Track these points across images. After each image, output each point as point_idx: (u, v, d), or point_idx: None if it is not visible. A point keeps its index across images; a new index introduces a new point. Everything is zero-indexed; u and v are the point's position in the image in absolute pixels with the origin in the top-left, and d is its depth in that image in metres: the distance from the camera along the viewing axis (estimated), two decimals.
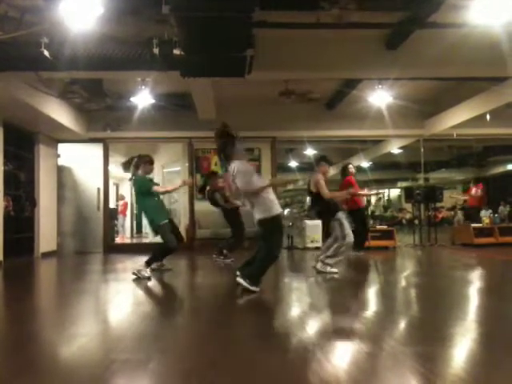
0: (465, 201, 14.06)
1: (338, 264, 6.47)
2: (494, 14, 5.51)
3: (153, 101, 9.57)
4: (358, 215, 9.11)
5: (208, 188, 8.65)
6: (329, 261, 6.39)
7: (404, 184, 21.34)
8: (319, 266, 6.44)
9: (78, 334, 3.53)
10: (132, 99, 9.47)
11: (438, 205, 13.21)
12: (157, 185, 7.23)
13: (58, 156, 11.41)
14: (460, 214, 16.72)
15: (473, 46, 6.76)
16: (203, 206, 11.18)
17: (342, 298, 5.13)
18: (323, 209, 6.60)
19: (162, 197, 7.12)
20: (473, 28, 6.08)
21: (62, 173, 11.50)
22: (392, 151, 15.87)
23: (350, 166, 9.45)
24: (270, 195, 5.06)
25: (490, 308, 4.44)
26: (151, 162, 7.02)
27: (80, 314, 4.48)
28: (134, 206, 19.35)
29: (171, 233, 6.72)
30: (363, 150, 16.59)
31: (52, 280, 7.91)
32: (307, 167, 14.99)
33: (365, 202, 10.30)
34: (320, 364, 2.71)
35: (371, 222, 13.41)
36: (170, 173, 13.64)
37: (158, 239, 6.92)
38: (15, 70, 6.94)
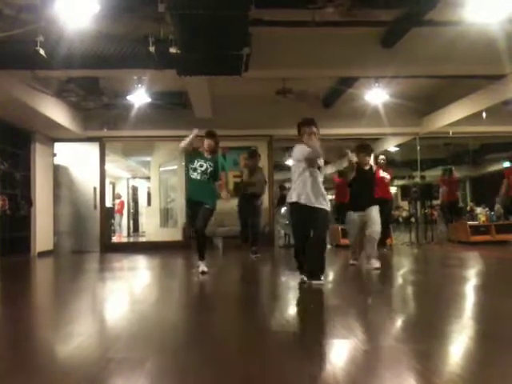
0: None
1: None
2: (491, 12, 5.52)
3: (149, 99, 9.56)
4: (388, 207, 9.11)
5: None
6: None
7: (400, 182, 21.38)
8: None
9: (75, 333, 3.52)
10: (128, 97, 9.46)
11: (435, 202, 13.21)
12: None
13: (54, 155, 11.38)
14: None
15: (469, 43, 6.76)
16: None
17: (338, 295, 5.13)
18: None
19: (196, 176, 6.44)
20: (469, 26, 6.09)
21: (58, 172, 11.48)
22: (388, 149, 15.88)
23: (382, 157, 9.40)
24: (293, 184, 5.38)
25: (486, 305, 4.44)
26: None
27: (77, 312, 4.47)
28: (131, 204, 19.40)
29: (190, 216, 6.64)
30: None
31: (48, 279, 7.88)
32: None
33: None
34: (317, 362, 2.70)
35: None
36: (166, 171, 13.62)
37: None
38: (11, 69, 6.92)
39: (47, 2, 5.21)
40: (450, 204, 12.07)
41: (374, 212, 6.44)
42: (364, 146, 6.80)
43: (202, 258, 6.36)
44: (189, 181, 6.74)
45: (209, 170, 6.44)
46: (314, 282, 5.02)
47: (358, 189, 6.55)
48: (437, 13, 6.15)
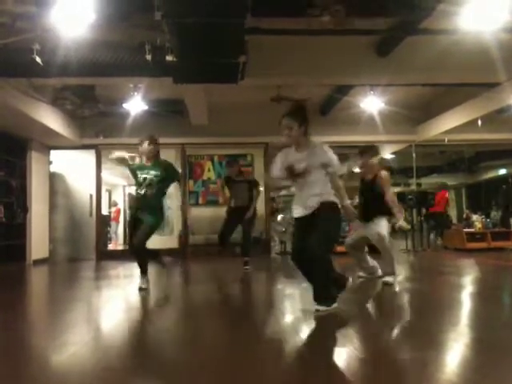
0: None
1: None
2: (486, 21, 5.55)
3: (145, 107, 9.56)
4: None
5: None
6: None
7: (396, 189, 21.39)
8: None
9: (69, 342, 3.50)
10: (124, 105, 9.46)
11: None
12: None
13: (50, 162, 11.37)
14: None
15: (464, 52, 6.80)
16: (196, 212, 11.20)
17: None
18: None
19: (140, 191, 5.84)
20: (464, 34, 6.12)
21: (54, 179, 11.46)
22: (384, 157, 15.92)
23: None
24: None
25: (482, 313, 4.45)
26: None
27: (71, 321, 4.45)
28: (127, 212, 19.29)
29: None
30: (355, 155, 16.61)
31: (44, 287, 7.85)
32: None
33: None
34: (313, 370, 2.70)
35: None
36: None
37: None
38: (7, 77, 6.92)
39: (43, 10, 5.22)
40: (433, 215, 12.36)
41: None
42: (367, 147, 6.34)
43: (143, 273, 5.81)
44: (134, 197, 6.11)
45: (154, 181, 5.76)
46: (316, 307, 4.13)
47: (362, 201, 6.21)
48: (432, 21, 6.17)
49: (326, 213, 4.05)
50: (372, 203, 5.99)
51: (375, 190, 5.99)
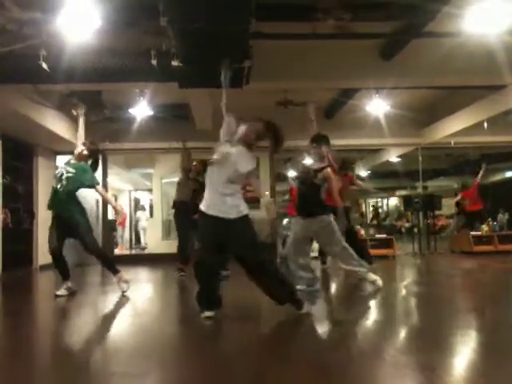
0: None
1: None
2: (490, 24, 5.55)
3: (151, 112, 9.59)
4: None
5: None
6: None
7: (403, 192, 21.35)
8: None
9: (77, 347, 3.50)
10: (130, 110, 9.49)
11: (437, 213, 13.19)
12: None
13: (57, 168, 11.39)
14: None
15: (469, 54, 6.79)
16: None
17: (340, 307, 5.11)
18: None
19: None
20: (468, 37, 6.11)
21: None
22: (390, 160, 15.90)
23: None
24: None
25: (490, 316, 4.42)
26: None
27: (77, 326, 4.45)
28: (133, 217, 19.35)
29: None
30: (361, 158, 16.65)
31: (50, 293, 7.85)
32: None
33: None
34: (320, 375, 2.69)
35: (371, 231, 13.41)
36: (168, 183, 13.64)
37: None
38: (13, 83, 6.96)
39: (49, 16, 5.26)
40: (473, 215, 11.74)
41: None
42: (320, 135, 5.80)
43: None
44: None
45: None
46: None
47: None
48: (436, 24, 6.17)
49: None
50: (312, 196, 5.53)
51: (316, 182, 5.51)
